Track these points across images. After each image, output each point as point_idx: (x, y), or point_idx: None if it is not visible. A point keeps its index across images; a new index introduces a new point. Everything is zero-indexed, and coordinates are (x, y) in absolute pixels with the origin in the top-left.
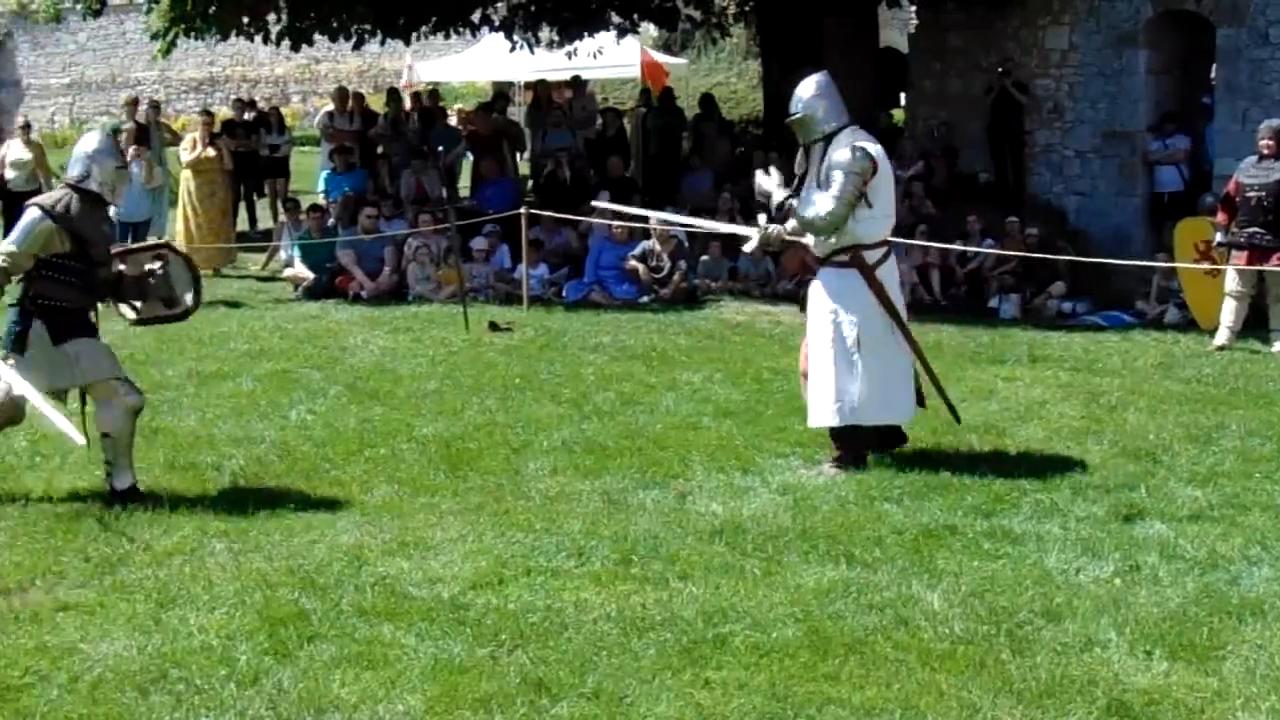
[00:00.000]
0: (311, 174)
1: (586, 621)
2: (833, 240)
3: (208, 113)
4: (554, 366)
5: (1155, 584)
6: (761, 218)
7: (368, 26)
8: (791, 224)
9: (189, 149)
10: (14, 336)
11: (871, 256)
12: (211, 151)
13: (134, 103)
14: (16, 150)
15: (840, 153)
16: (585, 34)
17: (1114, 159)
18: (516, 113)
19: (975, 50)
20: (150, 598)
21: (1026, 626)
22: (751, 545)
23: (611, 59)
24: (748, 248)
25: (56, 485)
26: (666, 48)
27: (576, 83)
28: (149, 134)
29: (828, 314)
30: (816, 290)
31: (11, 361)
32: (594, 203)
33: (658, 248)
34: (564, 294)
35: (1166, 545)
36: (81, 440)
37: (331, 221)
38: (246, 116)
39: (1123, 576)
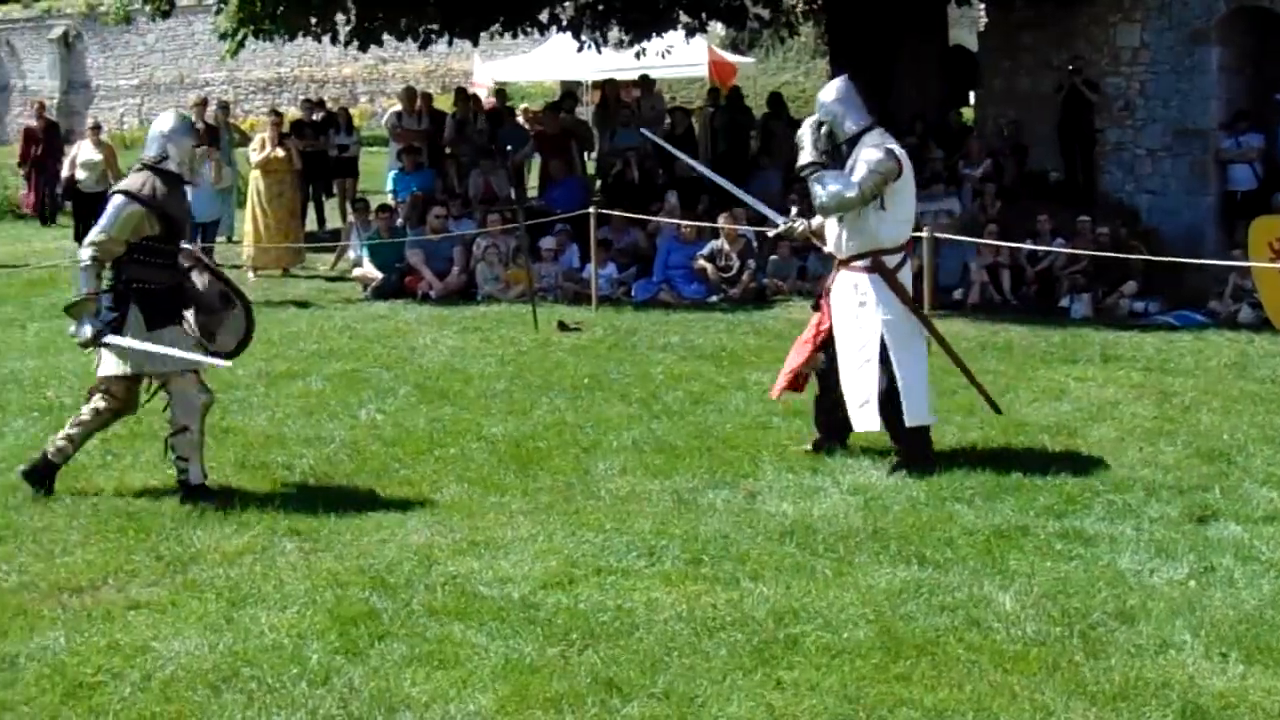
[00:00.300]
0: (380, 174)
1: (657, 621)
2: (854, 243)
3: (276, 113)
4: (623, 366)
5: (1230, 586)
6: (794, 209)
7: (435, 26)
8: (817, 221)
9: (258, 149)
10: (110, 322)
11: (891, 261)
12: (280, 152)
13: (203, 103)
14: (87, 151)
15: (869, 151)
16: (654, 34)
17: (1186, 157)
18: (584, 112)
19: (1045, 48)
20: (221, 596)
21: (1100, 628)
22: (822, 545)
23: (679, 58)
24: (771, 232)
25: (128, 483)
26: (734, 46)
27: (644, 82)
28: (218, 134)
29: (853, 318)
30: (840, 293)
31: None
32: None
33: (726, 247)
34: (633, 293)
35: (1241, 547)
36: (226, 363)
37: (400, 221)
38: (315, 117)
39: (1197, 578)
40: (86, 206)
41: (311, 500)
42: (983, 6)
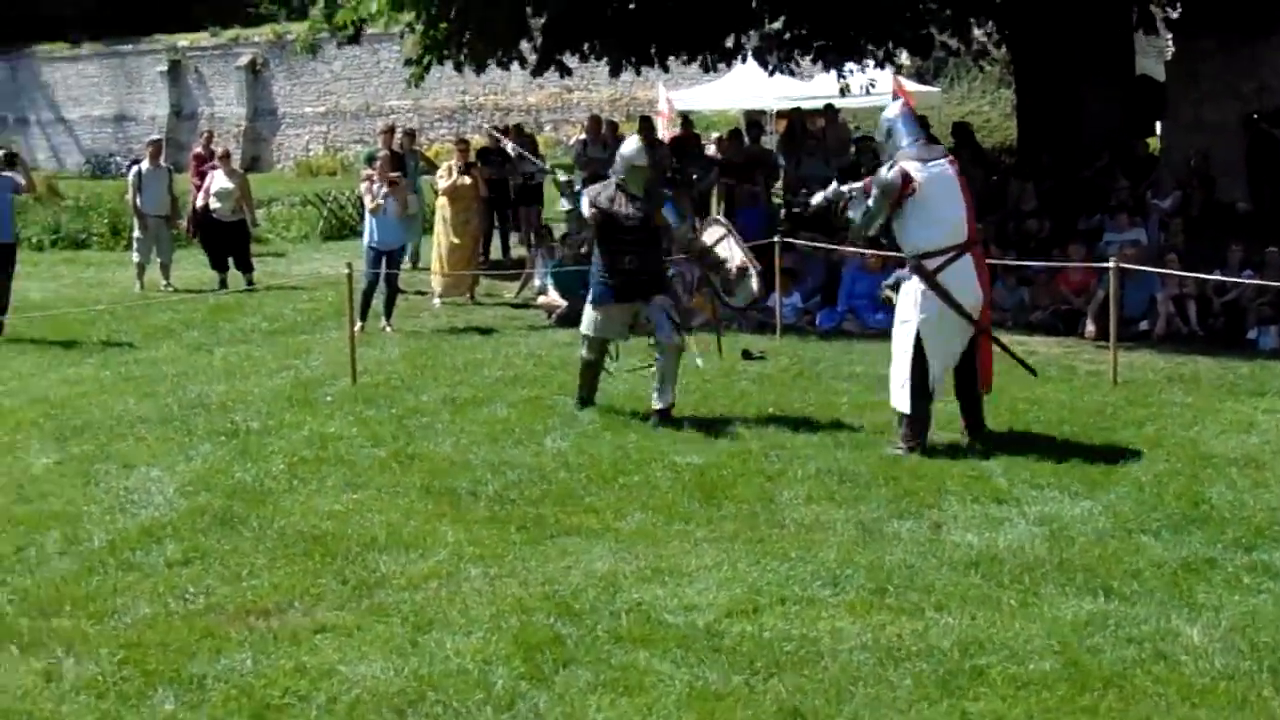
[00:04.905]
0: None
1: (842, 651)
2: (903, 249)
3: (463, 141)
4: (807, 395)
5: None
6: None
7: (624, 52)
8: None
9: (444, 177)
10: (597, 295)
11: (932, 263)
12: (467, 180)
13: (390, 131)
14: (220, 181)
15: (880, 172)
16: (846, 62)
17: None
18: (769, 141)
19: (1232, 77)
20: (407, 621)
21: None
22: (1008, 576)
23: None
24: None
25: (314, 507)
26: (919, 76)
27: (829, 111)
28: (404, 162)
29: (901, 312)
30: (903, 289)
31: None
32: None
33: None
34: (817, 322)
35: None
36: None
37: (585, 249)
38: (504, 145)
39: None
40: (221, 236)
41: (496, 526)
42: (1169, 36)
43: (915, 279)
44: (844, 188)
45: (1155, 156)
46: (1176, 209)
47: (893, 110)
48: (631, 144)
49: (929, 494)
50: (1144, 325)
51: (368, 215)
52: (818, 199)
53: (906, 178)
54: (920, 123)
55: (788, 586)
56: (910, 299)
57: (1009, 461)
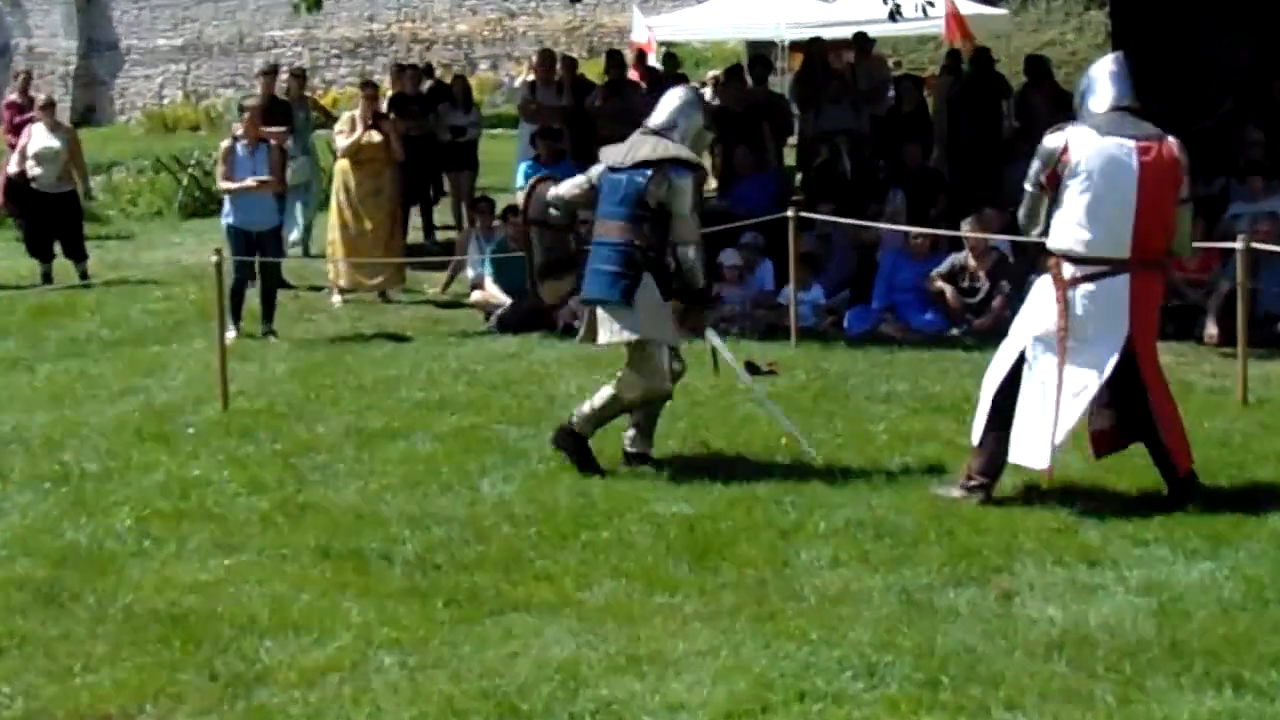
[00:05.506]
0: (507, 165)
1: None
2: (1048, 240)
3: (370, 84)
4: (833, 422)
5: None
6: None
7: None
8: None
9: (345, 133)
10: (623, 289)
11: (1073, 270)
12: (376, 136)
13: (271, 72)
14: (41, 139)
15: (1046, 136)
16: None
17: None
18: (779, 83)
19: None
20: None
21: None
22: (1102, 664)
23: (907, 10)
24: None
25: (172, 578)
26: None
27: (861, 42)
28: (289, 113)
29: (1022, 316)
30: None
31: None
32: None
33: (971, 263)
34: (845, 325)
35: None
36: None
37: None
38: (421, 89)
39: None
40: (44, 211)
41: (417, 600)
42: None
43: (1047, 281)
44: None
45: None
46: None
47: (1100, 65)
48: (683, 93)
49: (996, 554)
50: None
51: (227, 177)
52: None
53: (1065, 147)
54: (1129, 87)
55: (807, 678)
56: (1037, 302)
57: (1103, 510)
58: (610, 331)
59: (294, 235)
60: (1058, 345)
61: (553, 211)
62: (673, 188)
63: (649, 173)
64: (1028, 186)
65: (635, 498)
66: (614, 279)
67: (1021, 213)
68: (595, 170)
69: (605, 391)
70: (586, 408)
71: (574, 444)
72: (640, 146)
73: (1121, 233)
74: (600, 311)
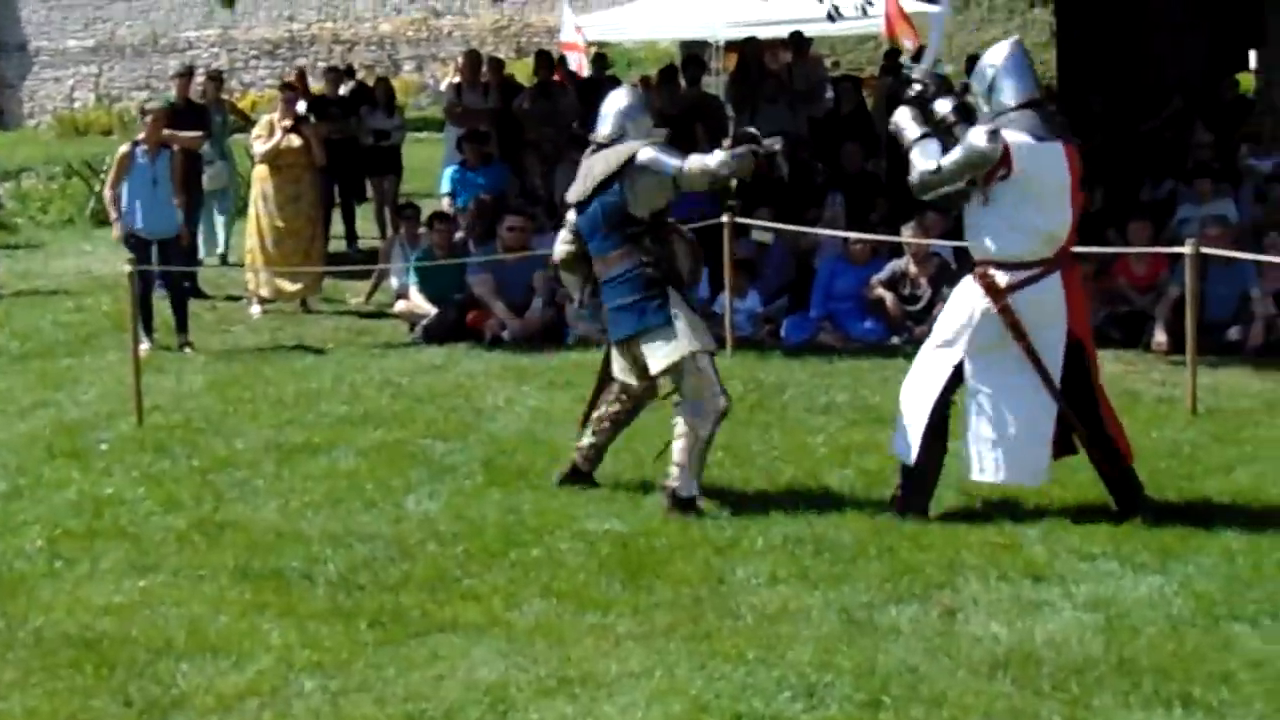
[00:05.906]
0: (432, 170)
1: None
2: (969, 244)
3: (289, 86)
4: (770, 434)
5: None
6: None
7: None
8: None
9: (263, 137)
10: (655, 310)
11: (1007, 277)
12: (295, 140)
13: (186, 74)
14: None
15: (976, 131)
16: None
17: None
18: (714, 84)
19: None
20: None
21: None
22: (1049, 682)
23: (845, 9)
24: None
25: (84, 600)
26: None
27: (797, 42)
28: (206, 116)
29: (936, 334)
30: (955, 295)
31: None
32: None
33: (912, 269)
34: (782, 334)
35: None
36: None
37: (461, 235)
38: (342, 91)
39: None
40: None
41: (340, 621)
42: None
43: (977, 289)
44: (941, 104)
45: (1250, 100)
46: None
47: (998, 53)
48: (625, 96)
49: (938, 570)
50: (1234, 333)
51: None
52: (918, 89)
53: (1007, 155)
54: (1035, 79)
55: (744, 700)
56: (962, 314)
57: (1048, 524)
58: (660, 357)
59: (219, 247)
60: (1008, 357)
61: (564, 274)
62: (645, 168)
63: (616, 186)
64: (944, 163)
65: (566, 514)
66: (640, 307)
67: (925, 173)
68: (570, 218)
69: (681, 444)
70: (675, 470)
71: (689, 506)
72: (594, 168)
73: (1059, 233)
74: (642, 345)
